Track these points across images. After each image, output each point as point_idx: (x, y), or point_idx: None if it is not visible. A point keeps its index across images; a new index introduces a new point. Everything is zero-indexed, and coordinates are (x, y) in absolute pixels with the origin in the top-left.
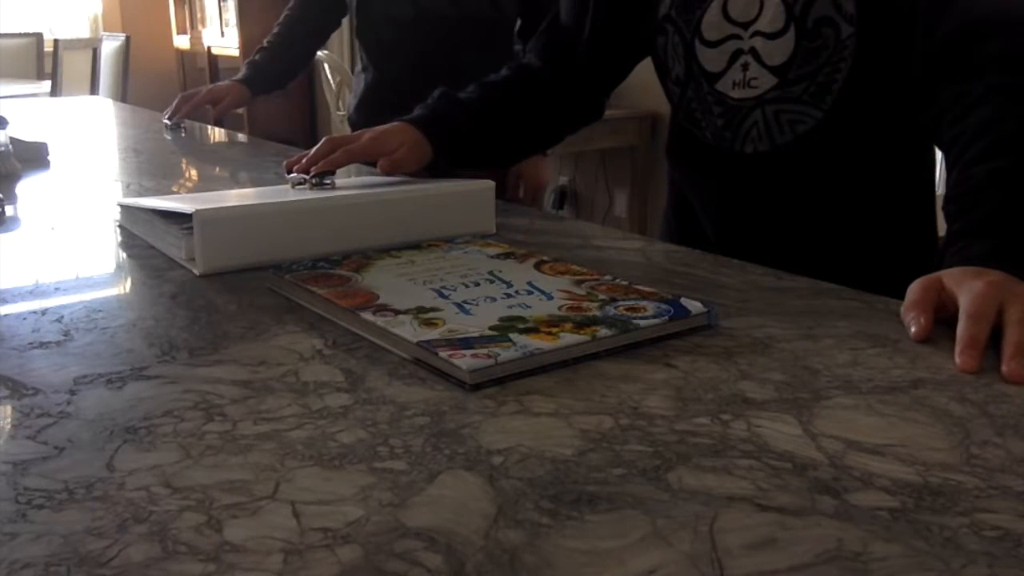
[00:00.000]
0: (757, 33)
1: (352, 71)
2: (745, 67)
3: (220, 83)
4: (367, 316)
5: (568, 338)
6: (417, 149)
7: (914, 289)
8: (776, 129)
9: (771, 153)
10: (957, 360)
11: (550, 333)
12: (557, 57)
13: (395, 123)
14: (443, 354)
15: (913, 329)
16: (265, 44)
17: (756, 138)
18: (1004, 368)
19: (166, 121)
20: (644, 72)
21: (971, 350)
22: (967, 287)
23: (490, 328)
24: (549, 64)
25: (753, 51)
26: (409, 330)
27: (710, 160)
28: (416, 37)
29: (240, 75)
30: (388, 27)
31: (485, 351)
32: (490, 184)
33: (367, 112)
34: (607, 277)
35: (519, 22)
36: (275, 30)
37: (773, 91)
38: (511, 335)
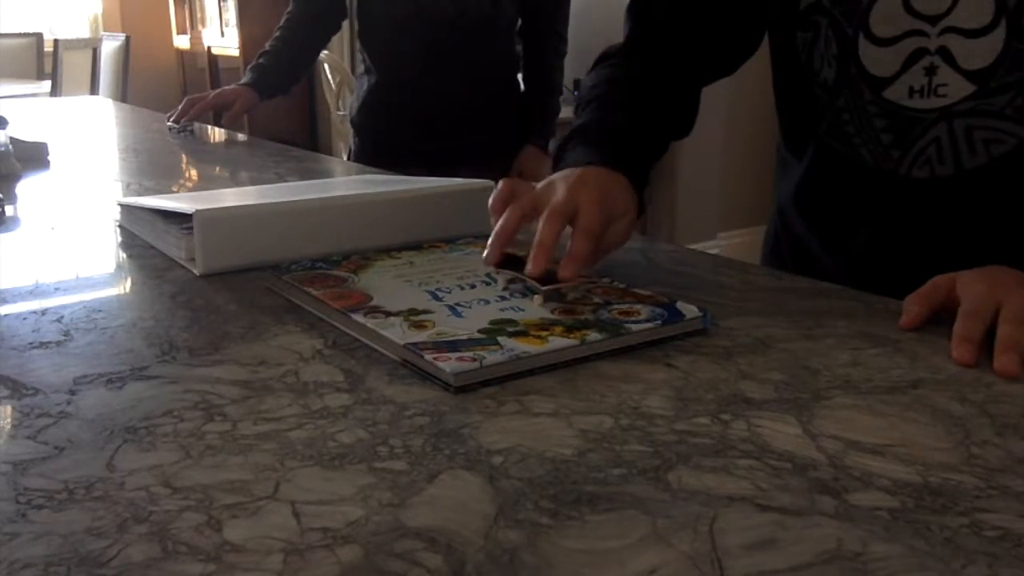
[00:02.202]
0: (950, 29)
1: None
2: (930, 71)
3: (227, 87)
4: (358, 318)
5: (557, 342)
6: (633, 198)
7: (926, 284)
8: (966, 149)
9: (954, 178)
10: (953, 354)
11: (539, 336)
12: (656, 57)
13: (593, 173)
14: (428, 356)
15: (904, 318)
16: (268, 48)
17: (935, 159)
18: (995, 364)
19: (171, 124)
20: None
21: (966, 344)
22: (971, 287)
23: (479, 331)
24: (651, 66)
25: (943, 51)
26: (398, 332)
27: (861, 184)
28: (417, 37)
29: (246, 79)
30: (389, 27)
31: (471, 354)
32: (490, 184)
33: (370, 113)
34: (605, 279)
35: (519, 21)
36: (276, 33)
37: (967, 102)
38: (499, 338)
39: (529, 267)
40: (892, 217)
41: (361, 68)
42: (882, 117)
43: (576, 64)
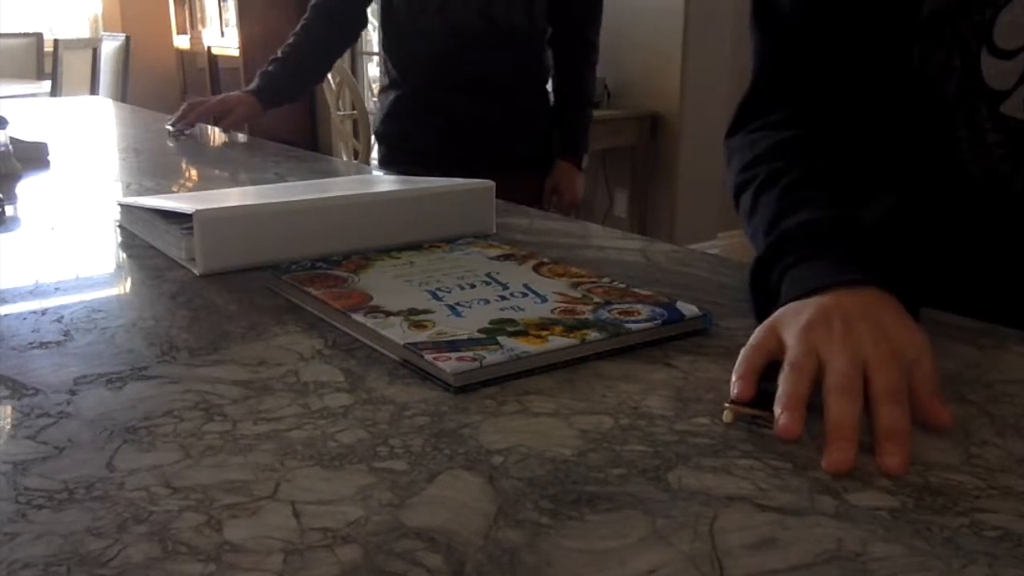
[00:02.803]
0: None
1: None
2: None
3: (230, 94)
4: (358, 317)
5: (557, 341)
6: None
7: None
8: None
9: None
10: (826, 462)
11: (539, 336)
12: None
13: (865, 307)
14: (428, 356)
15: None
16: (279, 55)
17: None
18: (880, 461)
19: (168, 127)
20: (643, 72)
21: (841, 441)
22: (794, 331)
23: (479, 331)
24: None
25: None
26: (398, 332)
27: (966, 200)
28: (444, 49)
29: (251, 86)
30: (415, 39)
31: (471, 354)
32: (490, 184)
33: (395, 124)
34: (605, 279)
35: (550, 31)
36: (290, 40)
37: None
38: (499, 338)
39: (783, 421)
40: (994, 235)
41: (385, 80)
42: (996, 131)
43: (604, 64)
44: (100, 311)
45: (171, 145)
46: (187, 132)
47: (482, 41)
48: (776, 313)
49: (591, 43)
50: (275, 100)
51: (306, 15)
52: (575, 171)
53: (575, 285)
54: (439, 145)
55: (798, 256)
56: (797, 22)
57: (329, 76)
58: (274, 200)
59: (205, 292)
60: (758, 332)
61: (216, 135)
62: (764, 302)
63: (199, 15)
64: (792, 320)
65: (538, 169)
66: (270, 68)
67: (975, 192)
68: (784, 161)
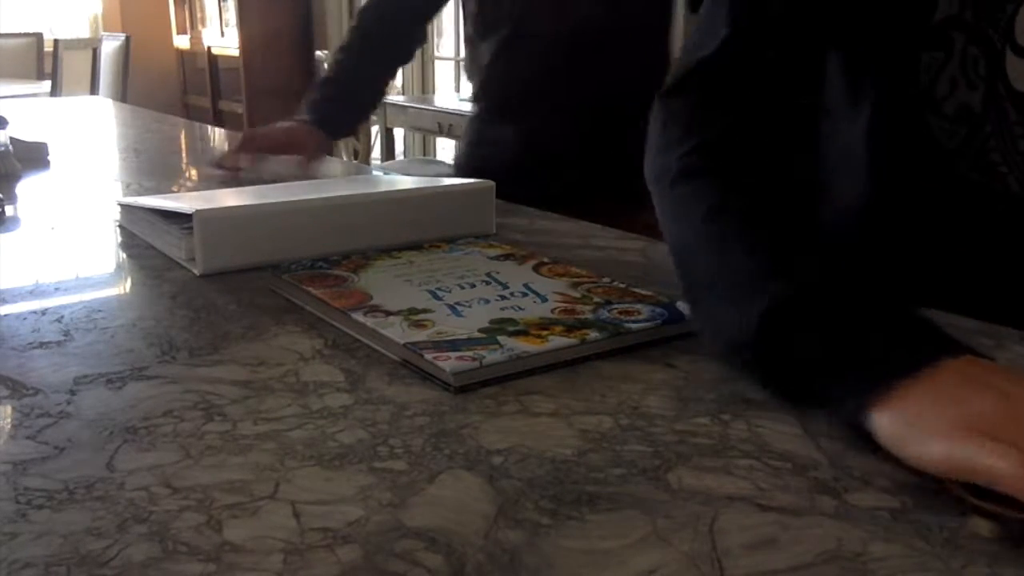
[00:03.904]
0: None
1: None
2: None
3: (292, 123)
4: (358, 317)
5: (557, 341)
6: None
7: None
8: None
9: None
10: None
11: (539, 336)
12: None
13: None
14: (428, 356)
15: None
16: (330, 83)
17: None
18: None
19: (217, 170)
20: None
21: None
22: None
23: (479, 330)
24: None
25: None
26: (398, 331)
27: (1004, 215)
28: (521, 59)
29: (310, 116)
30: (491, 52)
31: (471, 353)
32: (490, 184)
33: (477, 151)
34: (605, 279)
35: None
36: (340, 58)
37: None
38: (499, 337)
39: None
40: (1009, 236)
41: (471, 109)
42: None
43: None
44: (100, 311)
45: (172, 141)
46: (243, 169)
47: (563, 46)
48: (930, 412)
49: None
50: (339, 134)
51: (353, 29)
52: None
53: (575, 285)
54: (527, 180)
55: (859, 341)
56: (782, 13)
57: None
58: (274, 200)
59: (205, 292)
60: (967, 445)
61: (216, 134)
62: (786, 361)
63: (199, 15)
64: (969, 415)
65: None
66: (319, 97)
67: (1014, 208)
68: (751, 177)
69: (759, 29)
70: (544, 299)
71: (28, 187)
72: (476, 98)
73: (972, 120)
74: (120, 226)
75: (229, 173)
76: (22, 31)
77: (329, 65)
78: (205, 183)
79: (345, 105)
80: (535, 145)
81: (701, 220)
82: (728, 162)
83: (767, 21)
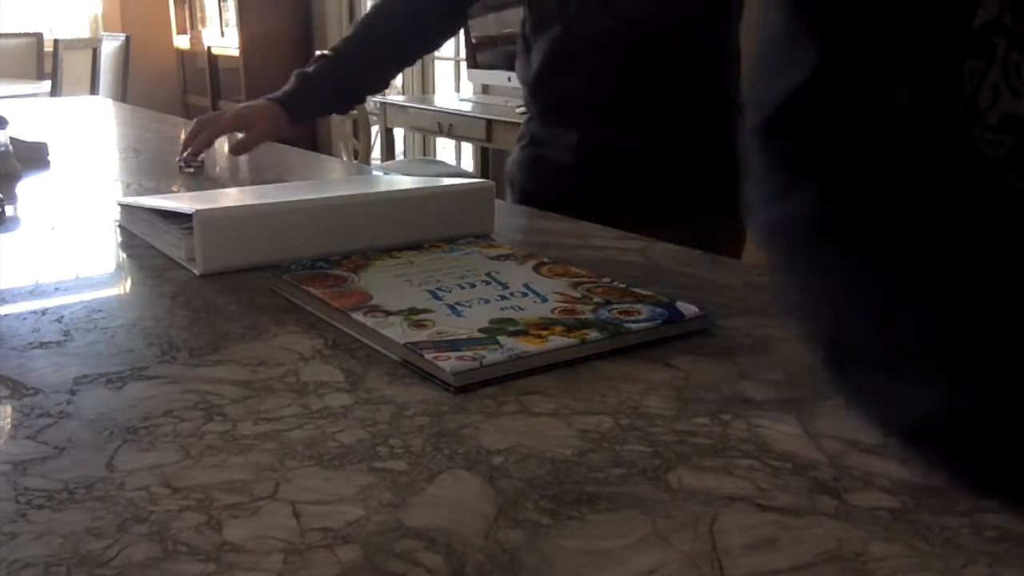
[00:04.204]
0: None
1: None
2: None
3: (249, 104)
4: (358, 317)
5: (557, 341)
6: None
7: None
8: None
9: None
10: None
11: (539, 336)
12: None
13: None
14: (428, 356)
15: None
16: (330, 52)
17: None
18: None
19: (180, 163)
20: None
21: None
22: None
23: (479, 330)
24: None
25: None
26: (398, 331)
27: None
28: (569, 59)
29: (280, 92)
30: (539, 54)
31: (471, 353)
32: (490, 184)
33: (525, 164)
34: (605, 279)
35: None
36: (356, 29)
37: None
38: (499, 337)
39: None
40: None
41: (525, 111)
42: None
43: None
44: (100, 311)
45: (172, 141)
46: (198, 161)
47: (610, 44)
48: None
49: None
50: (307, 110)
51: (361, 21)
52: None
53: (575, 285)
54: (580, 196)
55: None
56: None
57: None
58: (274, 200)
59: (205, 292)
60: None
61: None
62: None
63: (199, 15)
64: None
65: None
66: (310, 69)
67: None
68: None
69: (859, 47)
70: (544, 299)
71: (28, 187)
72: (528, 101)
73: (1018, 129)
74: (120, 226)
75: (193, 168)
76: (22, 31)
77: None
78: (178, 180)
79: (330, 83)
80: (589, 148)
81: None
82: (865, 209)
83: (868, 34)
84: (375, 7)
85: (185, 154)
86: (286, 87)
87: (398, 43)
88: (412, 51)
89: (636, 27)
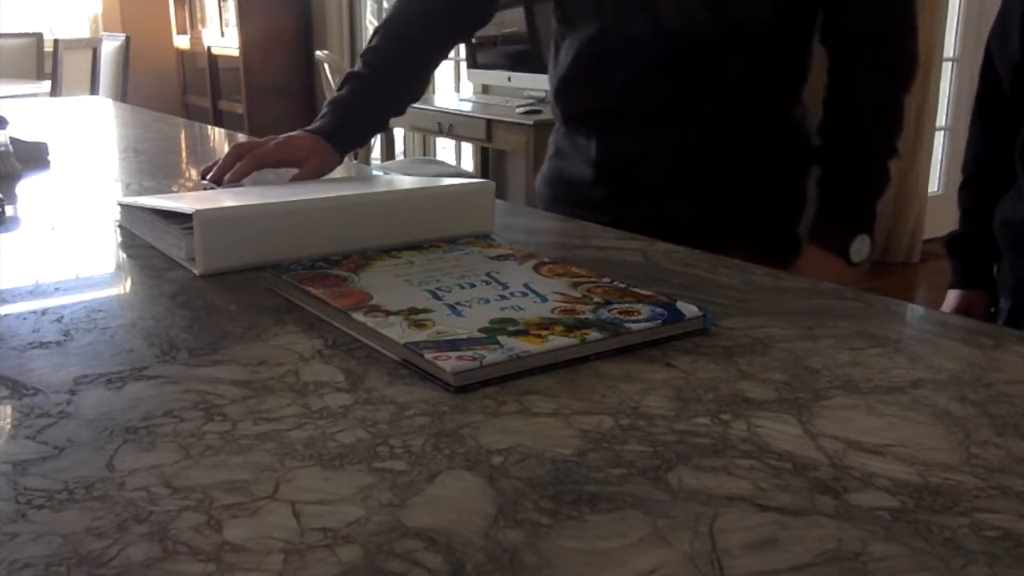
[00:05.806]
0: None
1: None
2: None
3: (292, 135)
4: (358, 317)
5: (557, 341)
6: None
7: None
8: None
9: None
10: None
11: (539, 336)
12: None
13: None
14: (428, 356)
15: None
16: (363, 71)
17: None
18: None
19: (204, 182)
20: None
21: None
22: None
23: (479, 330)
24: None
25: None
26: (398, 331)
27: None
28: (601, 66)
29: (320, 122)
30: (568, 58)
31: (471, 353)
32: (490, 184)
33: (552, 176)
34: (605, 279)
35: (821, 16)
36: (374, 43)
37: None
38: (499, 337)
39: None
40: None
41: (553, 116)
42: None
43: None
44: (100, 311)
45: (172, 141)
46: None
47: (653, 52)
48: None
49: (886, 41)
50: (356, 142)
51: (380, 28)
52: (834, 265)
53: (575, 285)
54: (607, 214)
55: None
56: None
57: (330, 76)
58: (274, 200)
59: (205, 292)
60: None
61: (216, 134)
62: None
63: (199, 15)
64: None
65: (779, 250)
66: (346, 94)
67: None
68: None
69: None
70: (544, 299)
71: (28, 187)
72: (553, 105)
73: None
74: (120, 226)
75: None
76: (22, 31)
77: (368, 52)
78: (178, 180)
79: (364, 119)
80: (613, 164)
81: None
82: None
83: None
84: (394, 9)
85: (216, 176)
86: (325, 119)
87: (430, 36)
88: (446, 43)
89: (682, 35)
